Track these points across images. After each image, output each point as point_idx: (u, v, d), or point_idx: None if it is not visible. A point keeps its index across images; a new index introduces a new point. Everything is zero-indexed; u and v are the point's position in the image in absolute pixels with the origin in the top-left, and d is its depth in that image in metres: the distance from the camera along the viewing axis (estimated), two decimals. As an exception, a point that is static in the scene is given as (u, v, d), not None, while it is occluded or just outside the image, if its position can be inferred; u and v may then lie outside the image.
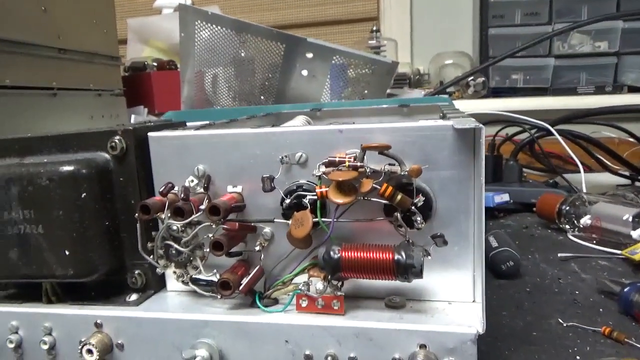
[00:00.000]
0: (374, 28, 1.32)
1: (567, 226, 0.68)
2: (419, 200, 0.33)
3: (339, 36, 1.57)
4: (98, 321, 0.37)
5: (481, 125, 0.30)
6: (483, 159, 0.30)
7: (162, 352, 0.36)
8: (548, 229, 0.71)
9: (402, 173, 0.33)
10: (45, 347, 0.38)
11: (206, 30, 0.98)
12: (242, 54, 1.01)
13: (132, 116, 1.12)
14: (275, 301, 0.37)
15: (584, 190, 0.80)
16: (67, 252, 0.37)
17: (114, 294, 0.40)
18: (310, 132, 0.36)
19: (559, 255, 0.59)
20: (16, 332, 0.39)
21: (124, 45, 1.50)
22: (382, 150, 0.33)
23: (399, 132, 0.34)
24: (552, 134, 0.85)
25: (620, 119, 0.98)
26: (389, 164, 0.34)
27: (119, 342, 0.37)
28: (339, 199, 0.32)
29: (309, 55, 0.98)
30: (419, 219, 0.33)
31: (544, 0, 1.23)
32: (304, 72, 1.00)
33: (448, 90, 1.20)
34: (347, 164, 0.33)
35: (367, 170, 0.33)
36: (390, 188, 0.32)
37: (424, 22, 1.53)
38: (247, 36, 0.97)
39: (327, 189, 0.34)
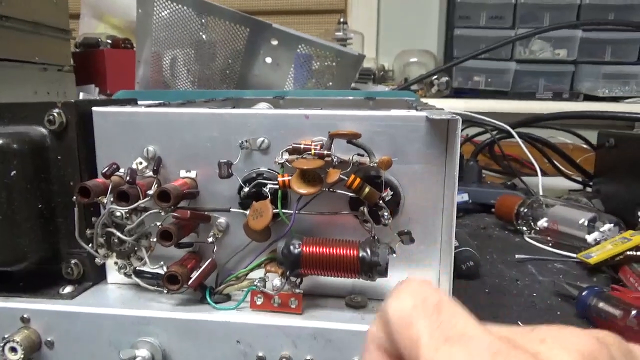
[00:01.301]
0: (341, 20, 1.30)
1: (524, 228, 0.68)
2: (387, 194, 0.31)
3: (306, 26, 1.54)
4: (25, 315, 0.33)
5: (457, 117, 0.29)
6: (458, 154, 0.29)
7: (98, 351, 0.33)
8: (505, 230, 0.72)
9: (371, 164, 0.31)
10: (-38, 343, 0.34)
11: (166, 9, 0.93)
12: (204, 37, 0.96)
13: (81, 94, 1.05)
14: (228, 297, 0.34)
15: (541, 193, 0.81)
16: (-10, 237, 0.33)
17: (45, 285, 0.36)
18: (273, 116, 0.33)
19: (516, 256, 0.59)
20: None
21: (77, 20, 1.41)
22: (351, 138, 0.31)
23: (368, 120, 0.32)
24: (512, 136, 0.86)
25: (575, 126, 1.01)
26: (358, 154, 0.31)
27: (49, 339, 0.33)
28: (303, 189, 0.30)
29: (274, 42, 0.94)
30: (386, 214, 0.31)
31: (508, 4, 1.25)
32: (268, 60, 0.96)
33: (412, 88, 1.19)
34: (312, 151, 0.31)
35: (334, 160, 0.31)
36: (358, 180, 0.30)
37: (391, 18, 1.52)
38: (209, 18, 0.92)
39: (289, 177, 0.31)
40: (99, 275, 0.37)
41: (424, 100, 1.04)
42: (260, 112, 0.34)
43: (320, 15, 1.59)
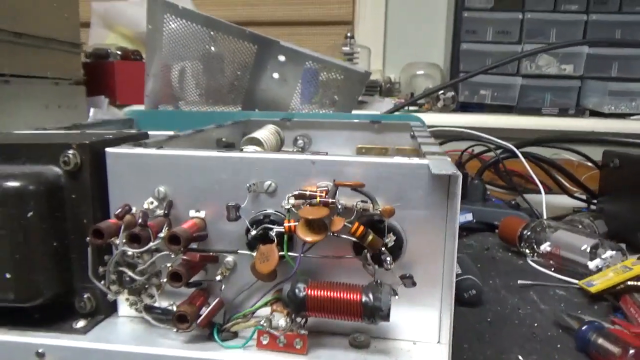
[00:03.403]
0: (349, 34, 1.31)
1: (527, 251, 0.69)
2: (390, 240, 0.32)
3: (313, 38, 1.55)
4: (40, 350, 0.35)
5: (458, 173, 0.30)
6: (458, 205, 0.30)
7: (110, 387, 0.34)
8: (509, 251, 0.72)
9: (374, 212, 0.32)
10: (-21, 375, 0.35)
11: (175, 24, 0.94)
12: (212, 50, 0.98)
13: (92, 110, 1.06)
14: (235, 335, 0.35)
15: (544, 212, 0.81)
16: (7, 275, 0.34)
17: (59, 318, 0.37)
18: (280, 161, 0.34)
19: (519, 282, 0.60)
20: (-54, 357, 0.36)
21: (86, 29, 1.43)
22: (356, 188, 0.32)
23: (373, 167, 0.33)
24: (517, 155, 0.87)
25: (580, 143, 1.01)
26: (362, 201, 0.32)
27: (63, 373, 0.35)
28: (308, 237, 0.31)
29: (281, 58, 0.95)
30: (388, 259, 0.32)
31: (515, 20, 1.25)
32: (275, 75, 0.97)
33: (418, 102, 1.20)
34: (317, 199, 0.32)
35: (339, 207, 0.32)
36: (361, 228, 0.31)
37: (398, 30, 1.53)
38: (218, 34, 0.94)
39: (295, 223, 0.32)
40: (110, 308, 0.38)
41: (429, 115, 1.05)
42: (267, 156, 0.35)
43: (328, 26, 1.60)
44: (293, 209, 0.33)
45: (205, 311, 0.34)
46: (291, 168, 0.34)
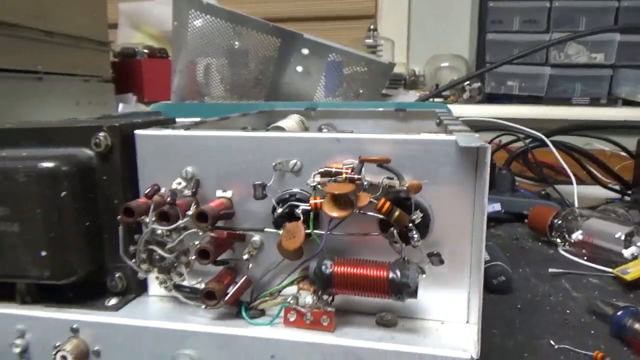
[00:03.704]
0: (372, 27, 1.30)
1: (558, 240, 0.67)
2: (417, 216, 0.32)
3: (335, 32, 1.55)
4: (74, 326, 0.36)
5: (487, 145, 0.29)
6: (487, 180, 0.29)
7: (141, 362, 0.34)
8: (539, 241, 0.71)
9: (401, 188, 0.32)
10: (17, 350, 0.36)
11: (200, 20, 0.96)
12: (236, 45, 0.99)
13: (120, 105, 1.09)
14: (262, 313, 0.35)
15: (576, 203, 0.79)
16: (43, 253, 0.35)
17: (91, 296, 0.38)
18: (306, 140, 0.34)
19: (550, 270, 0.58)
20: (-14, 333, 0.37)
21: (114, 30, 1.46)
22: (382, 163, 0.31)
23: (399, 144, 0.33)
24: (547, 145, 0.85)
25: (613, 132, 0.98)
26: (387, 177, 0.32)
27: (96, 348, 0.35)
28: (335, 213, 0.31)
29: (305, 51, 0.96)
30: (415, 236, 0.32)
31: (543, 8, 1.22)
32: (299, 69, 0.98)
33: (443, 93, 1.19)
34: (343, 175, 0.32)
35: (365, 184, 0.32)
36: (388, 204, 0.31)
37: (421, 22, 1.51)
38: (242, 29, 0.95)
39: (321, 200, 0.32)
40: (141, 287, 0.39)
41: (455, 107, 1.03)
42: (293, 135, 0.35)
43: (350, 21, 1.60)
44: (319, 186, 0.32)
45: (232, 289, 0.34)
46: (316, 146, 0.34)
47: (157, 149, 0.36)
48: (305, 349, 0.32)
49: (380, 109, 0.68)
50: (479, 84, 1.22)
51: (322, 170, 0.33)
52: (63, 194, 0.35)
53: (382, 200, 0.31)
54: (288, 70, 0.98)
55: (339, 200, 0.31)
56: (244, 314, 0.35)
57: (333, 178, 0.32)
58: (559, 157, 0.83)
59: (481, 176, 0.30)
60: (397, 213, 0.31)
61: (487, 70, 1.10)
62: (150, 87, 1.23)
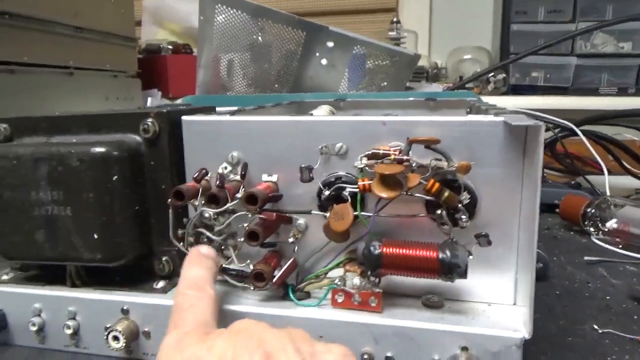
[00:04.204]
0: (395, 19, 1.29)
1: (592, 229, 0.67)
2: (465, 197, 0.32)
3: (356, 26, 1.55)
4: (125, 307, 0.36)
5: (540, 123, 0.29)
6: (541, 160, 0.29)
7: (191, 342, 0.35)
8: (571, 231, 0.70)
9: (449, 169, 0.32)
10: (69, 331, 0.38)
11: (225, 15, 0.96)
12: (261, 40, 0.99)
13: (149, 99, 1.11)
14: (308, 295, 0.36)
15: (608, 193, 0.78)
16: (95, 236, 0.36)
17: (139, 280, 0.39)
18: (351, 123, 0.35)
19: (586, 258, 0.58)
20: (39, 315, 0.39)
21: (138, 27, 1.48)
22: (431, 144, 0.32)
23: (445, 126, 0.33)
24: (576, 134, 0.84)
25: (643, 122, 0.96)
26: (435, 159, 0.32)
27: (146, 329, 0.36)
28: (384, 193, 0.31)
29: (330, 44, 0.96)
30: (463, 217, 0.32)
31: (568, -3, 1.21)
32: (324, 61, 0.98)
33: (467, 85, 1.18)
34: (392, 157, 0.32)
35: (413, 165, 0.32)
36: (437, 184, 0.31)
37: (443, 14, 1.50)
38: (267, 22, 0.95)
39: (369, 182, 0.32)
40: (186, 271, 0.40)
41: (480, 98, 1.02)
42: (339, 119, 0.35)
43: (372, 14, 1.59)
44: (367, 168, 0.33)
45: (280, 271, 0.35)
46: (362, 130, 0.34)
47: (204, 135, 0.37)
48: (354, 329, 0.32)
49: (411, 99, 0.68)
50: (504, 75, 1.21)
51: (369, 152, 0.33)
52: (114, 178, 0.36)
53: (432, 181, 0.31)
54: (312, 64, 0.98)
55: (387, 182, 0.31)
56: (291, 295, 0.35)
57: (380, 160, 0.33)
58: (589, 146, 0.82)
59: (534, 155, 0.30)
60: (446, 194, 0.31)
61: (513, 61, 1.09)
62: (175, 82, 1.25)
